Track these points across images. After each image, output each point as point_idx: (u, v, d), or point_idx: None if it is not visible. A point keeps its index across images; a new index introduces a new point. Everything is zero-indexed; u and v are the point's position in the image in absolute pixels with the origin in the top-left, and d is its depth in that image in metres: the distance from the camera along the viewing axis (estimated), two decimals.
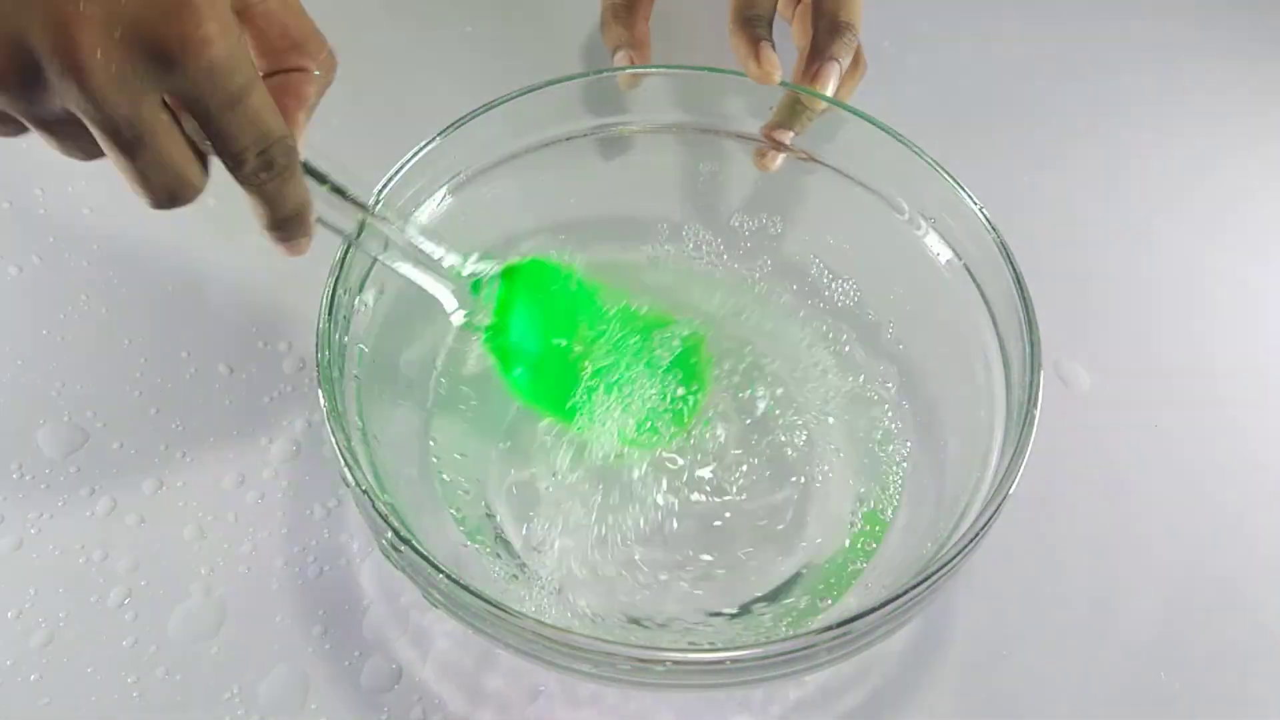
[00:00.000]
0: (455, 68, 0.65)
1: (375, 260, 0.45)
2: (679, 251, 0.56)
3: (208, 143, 0.36)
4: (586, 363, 0.49)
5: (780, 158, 0.53)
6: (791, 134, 0.52)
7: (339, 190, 0.41)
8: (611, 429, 0.49)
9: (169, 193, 0.36)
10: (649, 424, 0.49)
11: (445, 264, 0.45)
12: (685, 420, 0.50)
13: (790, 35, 0.59)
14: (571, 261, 0.49)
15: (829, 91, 0.52)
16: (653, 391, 0.50)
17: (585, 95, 0.52)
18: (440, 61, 0.65)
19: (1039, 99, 0.67)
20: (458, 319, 0.47)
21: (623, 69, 0.53)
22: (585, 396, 0.49)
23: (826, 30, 0.54)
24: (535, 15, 0.67)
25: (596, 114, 0.53)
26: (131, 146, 0.34)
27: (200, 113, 0.34)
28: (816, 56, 0.53)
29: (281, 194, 0.38)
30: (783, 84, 0.51)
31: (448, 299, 0.46)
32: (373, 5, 0.67)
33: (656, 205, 0.56)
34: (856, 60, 0.58)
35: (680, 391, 0.50)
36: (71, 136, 0.35)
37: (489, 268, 0.46)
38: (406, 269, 0.44)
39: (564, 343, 0.49)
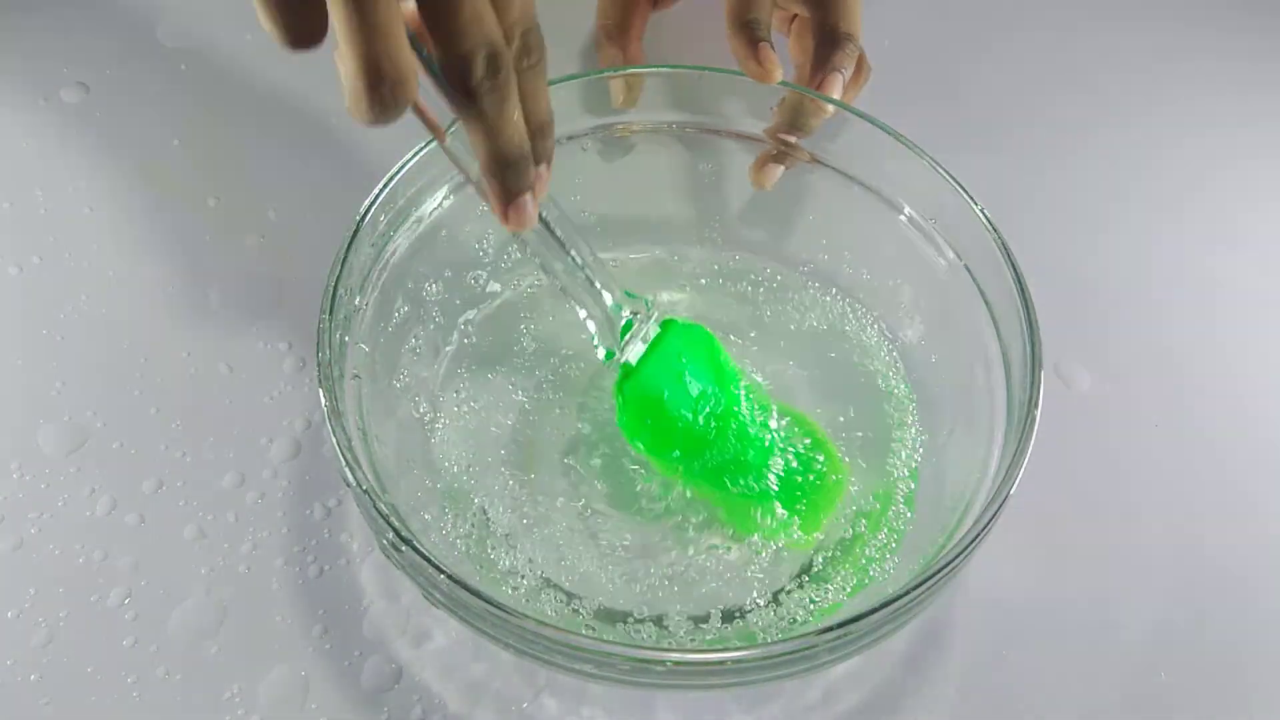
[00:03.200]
0: None
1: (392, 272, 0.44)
2: (678, 250, 0.56)
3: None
4: (712, 433, 0.48)
5: (778, 172, 0.53)
6: (793, 138, 0.52)
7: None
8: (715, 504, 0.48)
9: (378, 73, 0.32)
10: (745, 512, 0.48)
11: (606, 299, 0.45)
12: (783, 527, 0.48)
13: (788, 50, 0.59)
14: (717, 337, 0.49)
15: (829, 107, 0.51)
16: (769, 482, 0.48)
17: (584, 96, 0.52)
18: None
19: (1040, 99, 0.67)
20: (600, 353, 0.47)
21: (621, 70, 0.53)
22: (700, 469, 0.48)
23: (827, 42, 0.54)
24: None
25: (596, 114, 0.53)
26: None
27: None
28: (819, 68, 0.53)
29: (501, 115, 0.35)
30: (783, 84, 0.51)
31: (600, 332, 0.46)
32: None
33: (656, 205, 0.56)
34: (860, 65, 0.57)
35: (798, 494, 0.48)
36: None
37: (642, 315, 0.47)
38: (568, 287, 0.44)
39: (692, 414, 0.48)
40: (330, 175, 0.59)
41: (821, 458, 0.49)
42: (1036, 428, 0.42)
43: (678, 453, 0.48)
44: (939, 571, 0.39)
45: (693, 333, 0.49)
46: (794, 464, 0.49)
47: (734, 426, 0.48)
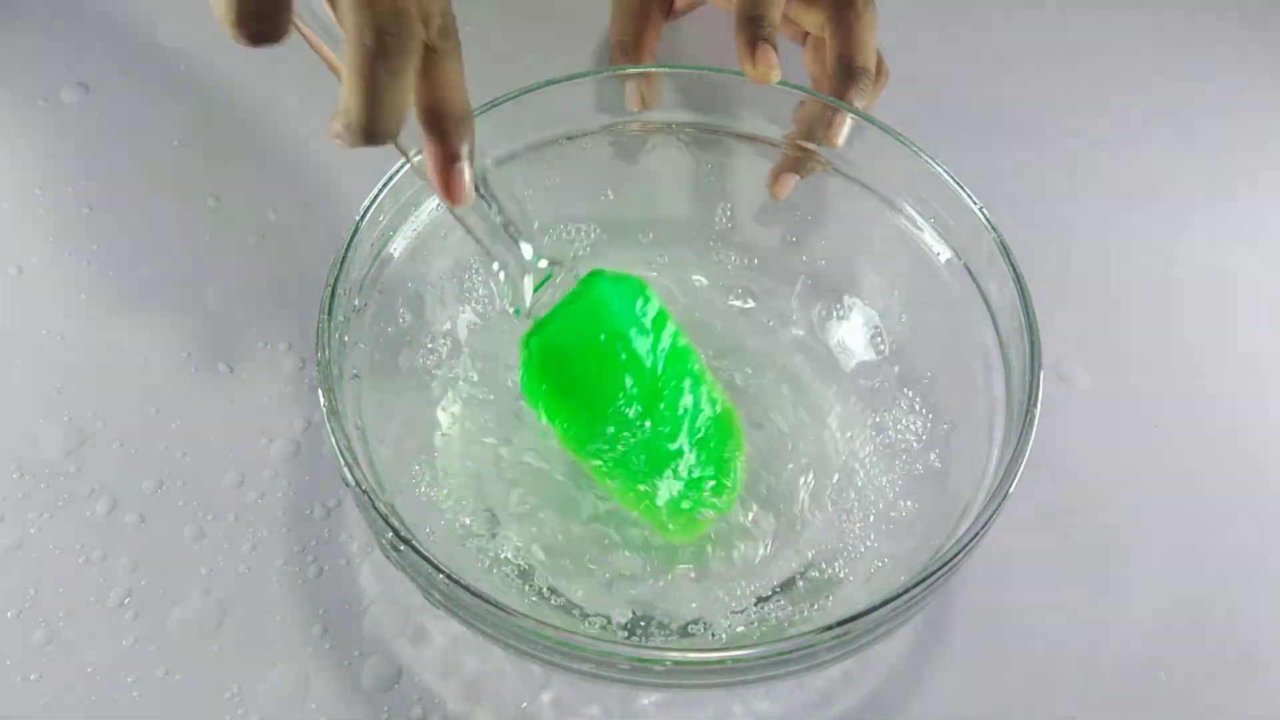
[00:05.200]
0: None
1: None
2: (678, 251, 0.55)
3: None
4: (625, 408, 0.45)
5: (793, 181, 0.52)
6: (813, 145, 0.52)
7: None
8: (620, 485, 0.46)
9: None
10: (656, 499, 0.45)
11: (525, 250, 0.43)
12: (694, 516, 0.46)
13: (804, 62, 0.59)
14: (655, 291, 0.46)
15: (841, 139, 0.51)
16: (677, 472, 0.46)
17: (587, 95, 0.52)
18: None
19: (1040, 98, 0.67)
20: (509, 308, 0.44)
21: (630, 69, 0.53)
22: (607, 444, 0.45)
23: (841, 76, 0.54)
24: (536, 14, 0.67)
25: (598, 114, 0.53)
26: None
27: None
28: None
29: (394, 85, 0.35)
30: (782, 83, 0.51)
31: (511, 284, 0.43)
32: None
33: (657, 205, 0.56)
34: (879, 70, 0.57)
35: (708, 484, 0.46)
36: None
37: (564, 266, 0.44)
38: (478, 231, 0.42)
39: (608, 379, 0.44)
40: (330, 175, 0.59)
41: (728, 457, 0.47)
42: (1036, 427, 0.42)
43: (584, 427, 0.45)
44: (938, 571, 0.39)
45: (623, 286, 0.45)
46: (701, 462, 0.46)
47: (657, 405, 0.45)
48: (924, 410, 0.50)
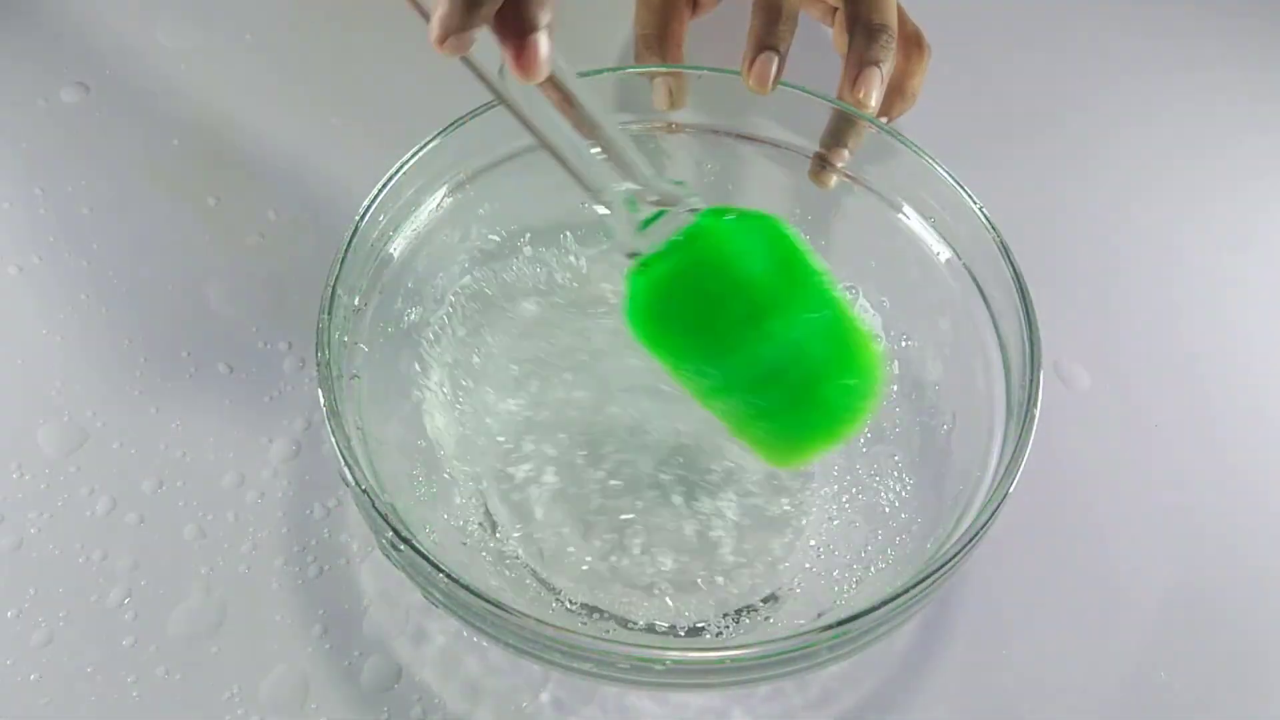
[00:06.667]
0: (455, 66, 0.65)
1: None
2: None
3: None
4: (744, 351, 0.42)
5: (835, 176, 0.53)
6: (847, 152, 0.51)
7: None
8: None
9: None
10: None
11: (625, 185, 0.40)
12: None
13: (833, 42, 0.59)
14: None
15: (875, 98, 0.51)
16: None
17: (615, 92, 0.52)
18: (440, 60, 0.65)
19: (1040, 98, 0.67)
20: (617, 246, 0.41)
21: (630, 68, 0.53)
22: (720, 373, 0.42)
23: (863, 35, 0.54)
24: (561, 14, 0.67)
25: (624, 112, 0.52)
26: None
27: None
28: (854, 65, 0.53)
29: None
30: (784, 83, 0.51)
31: (616, 222, 0.41)
32: (372, 3, 0.67)
33: None
34: (920, 45, 0.57)
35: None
36: None
37: (677, 205, 0.41)
38: (572, 163, 0.40)
39: (719, 317, 0.42)
40: (330, 175, 0.59)
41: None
42: (1036, 427, 0.42)
43: (698, 365, 0.42)
44: (938, 570, 0.39)
45: (752, 225, 0.42)
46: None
47: (777, 339, 0.42)
48: (924, 410, 0.50)
